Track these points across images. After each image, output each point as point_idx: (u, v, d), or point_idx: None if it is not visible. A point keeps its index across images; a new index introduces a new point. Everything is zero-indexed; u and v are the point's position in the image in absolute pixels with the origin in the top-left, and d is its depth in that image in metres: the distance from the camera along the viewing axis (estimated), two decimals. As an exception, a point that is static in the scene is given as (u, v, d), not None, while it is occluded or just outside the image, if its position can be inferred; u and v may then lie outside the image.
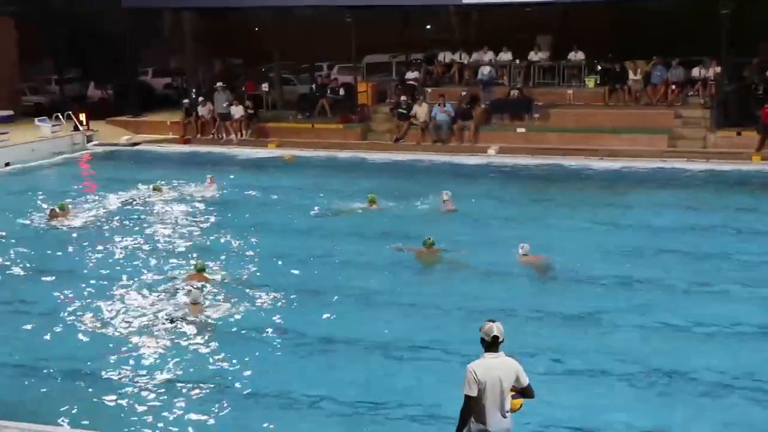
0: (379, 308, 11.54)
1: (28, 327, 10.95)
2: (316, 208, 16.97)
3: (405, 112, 24.23)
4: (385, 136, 24.86)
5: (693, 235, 14.51)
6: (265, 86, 28.03)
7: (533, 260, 12.89)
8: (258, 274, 12.93)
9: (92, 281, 12.69)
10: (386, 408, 8.66)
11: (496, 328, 6.36)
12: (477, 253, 13.54)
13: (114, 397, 9.02)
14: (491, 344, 6.36)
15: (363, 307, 11.59)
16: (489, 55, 26.94)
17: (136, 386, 9.26)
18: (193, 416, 8.63)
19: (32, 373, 9.69)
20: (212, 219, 16.49)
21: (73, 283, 12.63)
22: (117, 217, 16.53)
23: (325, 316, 11.18)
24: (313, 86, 27.58)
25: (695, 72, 24.28)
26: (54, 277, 13.01)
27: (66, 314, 11.35)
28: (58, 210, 16.24)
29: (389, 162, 22.20)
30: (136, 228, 15.77)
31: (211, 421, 8.53)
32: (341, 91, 26.73)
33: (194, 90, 27.89)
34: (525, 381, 6.42)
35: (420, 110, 24.14)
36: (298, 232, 15.33)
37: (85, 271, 13.27)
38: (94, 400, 8.99)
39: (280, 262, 13.49)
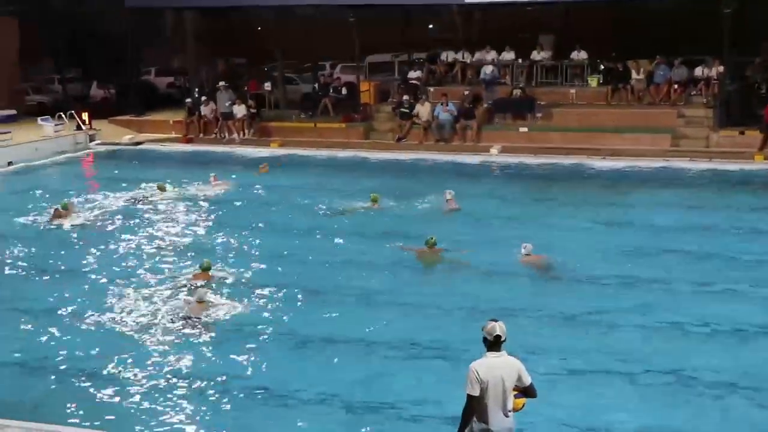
0: (381, 308, 11.54)
1: (31, 326, 10.98)
2: (318, 207, 16.98)
3: (407, 111, 24.24)
4: (388, 135, 24.86)
5: (695, 235, 14.49)
6: (267, 85, 28.06)
7: (535, 260, 12.89)
8: (260, 273, 12.94)
9: (95, 280, 12.73)
10: (387, 408, 8.67)
11: (499, 328, 6.37)
12: (479, 252, 13.54)
13: (116, 396, 9.04)
14: (493, 344, 6.37)
15: (364, 307, 11.59)
16: (492, 55, 26.93)
17: (139, 385, 9.28)
18: (194, 415, 8.65)
19: (34, 371, 9.73)
20: (215, 218, 16.51)
21: (77, 283, 12.66)
22: (120, 217, 16.54)
23: (326, 315, 11.19)
24: (316, 85, 27.60)
25: (698, 71, 24.25)
26: (57, 277, 13.04)
27: (69, 313, 11.38)
28: (61, 209, 16.26)
29: (391, 161, 22.20)
30: (140, 227, 15.79)
31: (212, 420, 8.54)
32: (344, 91, 26.74)
33: (197, 89, 27.90)
34: (527, 380, 6.43)
35: (422, 109, 24.15)
36: (300, 231, 15.33)
37: (88, 271, 13.29)
38: (96, 398, 9.01)
39: (282, 261, 13.51)
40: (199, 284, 11.96)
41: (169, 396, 9.03)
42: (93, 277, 12.92)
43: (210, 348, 10.22)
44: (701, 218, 15.59)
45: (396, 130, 24.55)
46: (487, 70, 25.89)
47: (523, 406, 6.51)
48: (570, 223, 15.41)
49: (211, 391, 9.13)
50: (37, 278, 13.04)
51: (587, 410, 8.49)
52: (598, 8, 26.17)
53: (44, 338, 10.60)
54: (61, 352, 10.13)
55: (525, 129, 23.64)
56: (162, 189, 18.52)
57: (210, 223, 16.09)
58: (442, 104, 23.85)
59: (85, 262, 13.77)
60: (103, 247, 14.45)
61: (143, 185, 19.06)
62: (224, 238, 14.94)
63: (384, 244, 14.18)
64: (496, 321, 6.43)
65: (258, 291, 12.03)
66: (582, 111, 24.38)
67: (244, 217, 16.53)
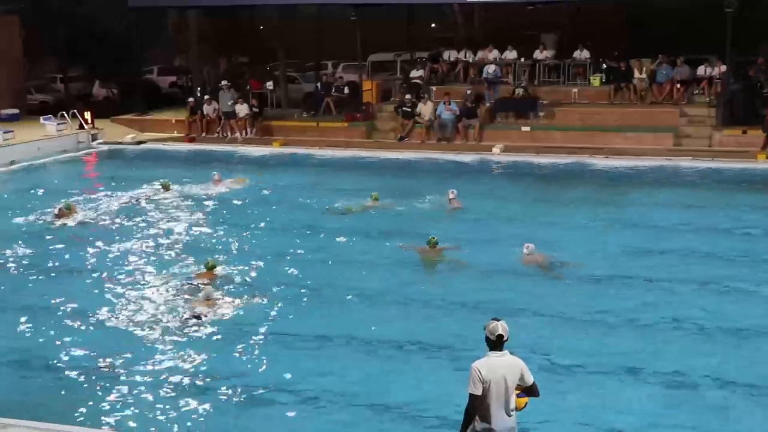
0: (383, 307, 11.54)
1: (35, 325, 10.98)
2: (319, 206, 16.98)
3: (410, 110, 24.23)
4: (390, 134, 24.86)
5: (697, 234, 14.49)
6: (269, 85, 28.06)
7: (537, 259, 12.89)
8: (261, 272, 12.95)
9: (99, 279, 12.73)
10: (389, 407, 8.67)
11: (501, 327, 6.36)
12: (481, 252, 13.54)
13: (119, 395, 9.05)
14: (496, 343, 6.36)
15: (366, 306, 11.59)
16: (494, 54, 26.92)
17: (142, 384, 9.29)
18: (196, 414, 8.65)
19: (37, 370, 9.74)
20: (218, 217, 16.51)
21: (80, 282, 12.69)
22: (123, 216, 16.55)
23: (327, 314, 11.21)
24: (318, 85, 27.59)
25: (701, 70, 24.24)
26: (60, 276, 13.07)
27: (73, 312, 11.39)
28: (64, 209, 16.28)
29: (394, 160, 22.19)
30: (143, 226, 15.80)
31: (212, 420, 8.54)
32: (346, 90, 26.73)
33: (199, 88, 27.91)
34: (530, 380, 6.42)
35: (425, 109, 24.15)
36: (301, 230, 15.34)
37: (91, 270, 13.30)
38: (99, 398, 9.01)
39: (283, 260, 13.50)
40: (205, 283, 11.98)
41: (172, 395, 9.04)
42: (96, 276, 12.93)
43: (213, 347, 10.23)
44: (703, 218, 15.58)
45: (398, 129, 24.54)
46: (490, 69, 25.86)
47: (526, 405, 6.50)
48: (572, 222, 15.41)
49: (213, 391, 9.12)
50: (40, 277, 13.04)
51: (588, 410, 8.48)
52: (600, 8, 26.17)
53: (47, 337, 10.61)
54: (64, 351, 10.14)
55: (527, 128, 23.62)
56: (166, 187, 18.53)
57: (212, 222, 16.08)
58: (444, 103, 23.83)
59: (88, 261, 13.78)
60: (106, 246, 14.46)
61: (145, 186, 19.04)
62: (227, 236, 14.96)
63: (387, 243, 14.18)
64: (498, 320, 6.43)
65: (260, 290, 12.04)
66: (584, 110, 24.35)
67: (247, 215, 16.55)
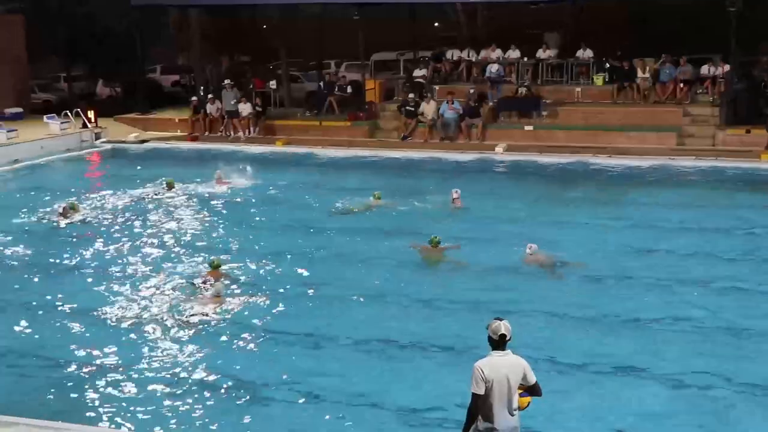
0: (384, 306, 11.55)
1: (38, 324, 11.00)
2: (322, 205, 16.98)
3: (412, 109, 24.23)
4: (393, 133, 24.87)
5: (700, 234, 14.47)
6: (272, 84, 28.07)
7: (539, 259, 12.88)
8: (263, 271, 12.96)
9: (103, 278, 12.74)
10: (390, 406, 8.67)
11: (504, 327, 6.36)
12: (483, 251, 13.54)
13: (119, 394, 9.07)
14: (498, 342, 6.36)
15: (367, 306, 11.59)
16: (497, 53, 26.91)
17: (141, 382, 9.30)
18: (195, 413, 8.66)
19: (39, 369, 9.76)
20: (221, 216, 16.53)
21: (84, 280, 12.71)
22: (126, 214, 16.57)
23: (328, 314, 11.21)
24: (321, 84, 27.60)
25: (704, 70, 24.20)
26: (65, 275, 13.08)
27: (75, 311, 11.41)
28: (68, 207, 16.31)
29: (396, 159, 22.19)
30: (146, 225, 15.82)
31: (212, 418, 8.55)
32: (349, 89, 26.73)
33: (202, 87, 27.94)
34: (532, 379, 6.42)
35: (428, 108, 24.15)
36: (303, 229, 15.34)
37: (95, 268, 13.32)
38: (99, 396, 9.03)
39: (285, 259, 13.51)
40: (210, 281, 12.01)
41: (173, 394, 9.05)
42: (101, 274, 12.94)
43: (214, 346, 10.24)
44: (707, 217, 15.54)
45: (401, 128, 24.54)
46: (493, 68, 25.87)
47: (528, 404, 6.50)
48: (575, 221, 15.40)
49: (213, 390, 9.14)
50: (44, 276, 13.06)
51: (588, 410, 8.49)
52: (603, 7, 26.15)
53: (51, 336, 10.64)
54: (69, 349, 10.16)
55: (530, 127, 23.61)
56: (171, 185, 18.56)
57: (215, 221, 16.10)
58: (447, 102, 23.84)
59: (91, 259, 13.80)
60: (109, 244, 14.48)
61: (148, 184, 19.07)
62: (229, 235, 14.97)
63: (389, 242, 14.19)
64: (501, 320, 6.43)
65: (261, 289, 12.05)
66: (587, 109, 24.33)
67: (250, 214, 16.56)
